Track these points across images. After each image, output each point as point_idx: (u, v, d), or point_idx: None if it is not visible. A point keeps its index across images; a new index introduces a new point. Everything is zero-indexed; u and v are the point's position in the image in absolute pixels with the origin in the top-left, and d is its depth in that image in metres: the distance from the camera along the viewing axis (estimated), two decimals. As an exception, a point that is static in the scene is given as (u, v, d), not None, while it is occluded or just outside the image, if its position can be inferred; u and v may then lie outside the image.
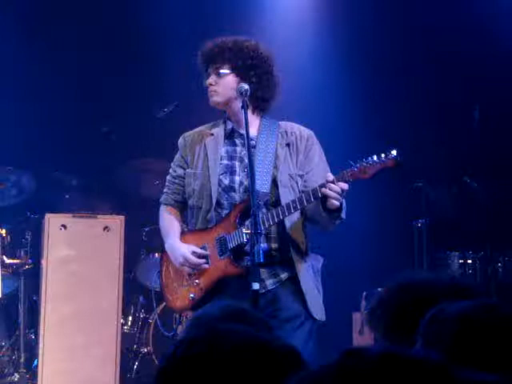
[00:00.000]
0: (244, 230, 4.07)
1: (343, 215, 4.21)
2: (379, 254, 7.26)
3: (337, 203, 4.05)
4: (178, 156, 4.56)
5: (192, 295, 4.36)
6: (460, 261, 6.71)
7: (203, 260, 4.31)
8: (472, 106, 7.24)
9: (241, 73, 4.32)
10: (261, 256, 3.71)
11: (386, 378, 1.34)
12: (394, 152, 4.07)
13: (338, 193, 4.03)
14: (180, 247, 4.38)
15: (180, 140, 4.57)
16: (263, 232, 3.97)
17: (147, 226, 7.27)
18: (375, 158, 4.08)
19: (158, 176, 7.32)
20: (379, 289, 6.46)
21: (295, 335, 4.15)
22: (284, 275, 4.28)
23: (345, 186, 4.05)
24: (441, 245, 6.92)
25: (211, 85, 4.34)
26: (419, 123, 7.55)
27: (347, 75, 7.66)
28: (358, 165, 4.08)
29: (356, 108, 7.58)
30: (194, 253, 4.32)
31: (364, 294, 6.63)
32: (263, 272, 4.15)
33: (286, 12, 7.99)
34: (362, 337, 6.57)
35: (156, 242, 7.26)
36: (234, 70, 4.32)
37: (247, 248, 4.15)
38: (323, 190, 4.05)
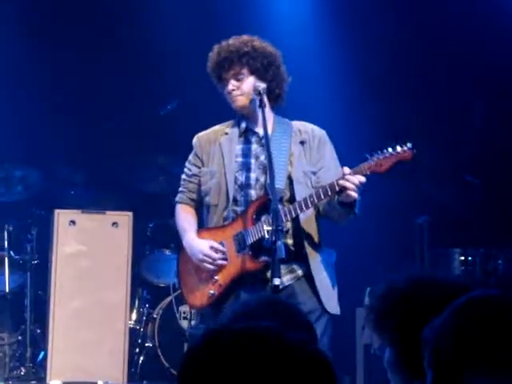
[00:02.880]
0: (265, 227, 4.14)
1: (356, 210, 4.28)
2: (381, 250, 7.33)
3: (354, 195, 4.12)
4: (192, 155, 4.61)
5: (211, 292, 4.39)
6: (461, 257, 6.79)
7: (222, 255, 4.38)
8: (474, 104, 7.34)
9: (260, 74, 4.40)
10: (283, 252, 3.79)
11: None
12: (409, 144, 4.17)
13: (355, 185, 4.10)
14: (199, 243, 4.42)
15: (194, 140, 4.62)
16: (284, 228, 4.05)
17: (152, 222, 7.34)
18: (390, 150, 4.17)
19: (162, 172, 7.40)
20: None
21: (312, 330, 4.23)
22: (300, 271, 4.35)
23: (362, 178, 4.13)
24: (442, 241, 7.01)
25: (233, 90, 4.41)
26: (421, 121, 7.63)
27: (348, 77, 7.72)
28: (373, 158, 4.16)
29: (358, 107, 7.64)
30: (212, 248, 4.39)
31: (368, 289, 6.70)
32: (281, 268, 4.20)
33: (283, 8, 8.04)
34: (365, 332, 6.65)
35: (160, 237, 7.35)
36: (253, 72, 4.40)
37: (265, 243, 4.21)
38: (341, 182, 4.12)
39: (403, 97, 7.69)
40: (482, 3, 7.44)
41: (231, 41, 4.46)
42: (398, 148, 4.16)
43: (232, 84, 4.40)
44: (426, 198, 7.20)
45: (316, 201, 4.23)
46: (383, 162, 4.15)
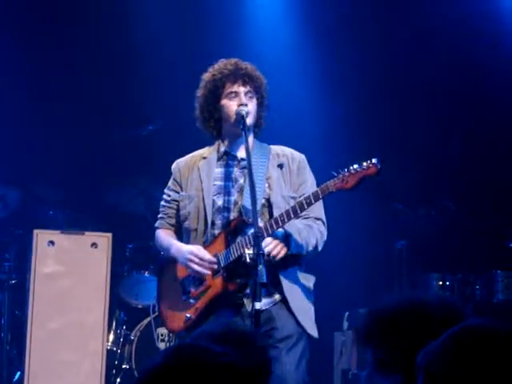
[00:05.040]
0: (246, 251, 4.15)
1: (292, 250, 4.32)
2: (360, 274, 7.35)
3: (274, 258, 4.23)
4: (171, 181, 4.63)
5: (188, 315, 4.40)
6: (439, 283, 6.83)
7: (212, 258, 4.35)
8: (454, 130, 7.39)
9: (260, 102, 4.47)
10: (264, 276, 3.78)
11: None
12: (373, 160, 4.15)
13: (270, 249, 4.20)
14: (188, 245, 4.43)
15: (174, 166, 4.64)
16: (266, 252, 4.06)
17: (131, 243, 7.32)
18: (356, 166, 4.16)
19: (142, 194, 7.39)
20: (361, 310, 6.60)
21: (289, 354, 4.25)
22: (277, 296, 4.36)
23: (267, 241, 4.19)
24: (420, 267, 7.04)
25: (246, 105, 4.40)
26: (400, 146, 7.67)
27: (326, 94, 7.76)
28: (339, 175, 4.16)
29: (335, 128, 7.67)
30: (200, 250, 4.38)
31: (346, 314, 6.73)
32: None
33: (264, 27, 8.09)
34: (343, 357, 6.66)
35: (139, 258, 7.33)
36: (257, 98, 4.45)
37: (240, 265, 4.24)
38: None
39: (383, 119, 7.73)
40: (469, 25, 7.51)
41: (242, 62, 4.50)
42: (364, 164, 4.15)
43: (244, 99, 4.40)
44: (404, 223, 7.23)
45: (286, 220, 4.24)
46: (349, 179, 4.14)
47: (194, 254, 4.36)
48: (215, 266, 4.35)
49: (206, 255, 4.35)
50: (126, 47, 7.75)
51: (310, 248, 4.37)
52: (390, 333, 2.20)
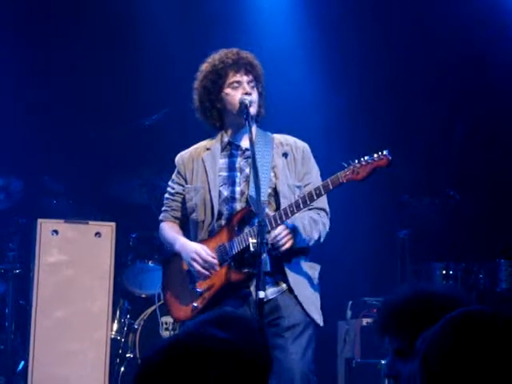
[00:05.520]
0: (250, 239, 4.15)
1: (296, 245, 4.32)
2: (363, 264, 7.36)
3: (284, 249, 4.24)
4: (175, 174, 4.61)
5: (195, 305, 4.39)
6: (442, 272, 6.83)
7: (214, 260, 4.36)
8: (457, 120, 7.39)
9: (261, 91, 4.46)
10: (268, 265, 3.79)
11: None
12: (384, 151, 4.13)
13: (278, 240, 4.21)
14: (193, 244, 4.42)
15: (177, 158, 4.62)
16: (269, 242, 4.06)
17: (135, 233, 7.33)
18: (367, 158, 4.15)
19: (145, 183, 7.40)
20: (364, 298, 6.61)
21: (295, 343, 4.25)
22: (284, 285, 4.36)
23: (277, 230, 4.20)
24: (424, 256, 7.04)
25: (250, 94, 4.39)
26: (403, 136, 7.67)
27: (332, 88, 7.76)
28: (350, 166, 4.15)
29: (338, 119, 7.68)
30: (205, 250, 4.37)
31: (350, 303, 6.74)
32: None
33: (268, 19, 8.08)
34: (347, 345, 6.67)
35: (143, 248, 7.34)
36: (259, 88, 4.44)
37: (247, 255, 4.24)
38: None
39: (386, 110, 7.73)
40: (470, 20, 7.49)
41: (242, 51, 4.48)
42: (375, 155, 4.14)
43: (248, 88, 4.39)
44: (407, 212, 7.23)
45: (295, 210, 4.24)
46: (360, 170, 4.13)
47: (197, 253, 4.36)
48: (217, 268, 4.36)
49: (209, 257, 4.35)
50: (129, 36, 7.75)
51: (312, 243, 4.39)
52: (404, 324, 2.34)
